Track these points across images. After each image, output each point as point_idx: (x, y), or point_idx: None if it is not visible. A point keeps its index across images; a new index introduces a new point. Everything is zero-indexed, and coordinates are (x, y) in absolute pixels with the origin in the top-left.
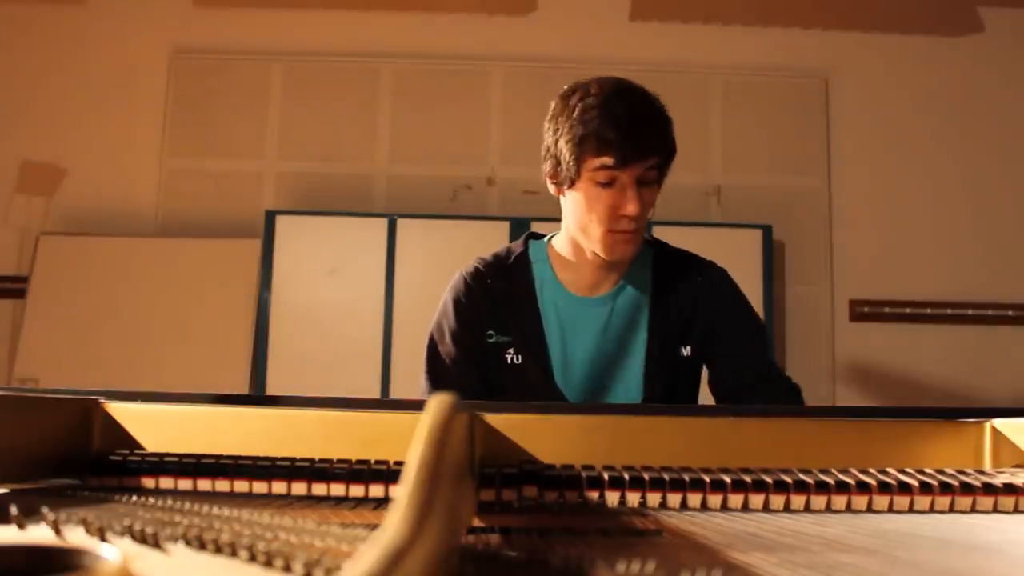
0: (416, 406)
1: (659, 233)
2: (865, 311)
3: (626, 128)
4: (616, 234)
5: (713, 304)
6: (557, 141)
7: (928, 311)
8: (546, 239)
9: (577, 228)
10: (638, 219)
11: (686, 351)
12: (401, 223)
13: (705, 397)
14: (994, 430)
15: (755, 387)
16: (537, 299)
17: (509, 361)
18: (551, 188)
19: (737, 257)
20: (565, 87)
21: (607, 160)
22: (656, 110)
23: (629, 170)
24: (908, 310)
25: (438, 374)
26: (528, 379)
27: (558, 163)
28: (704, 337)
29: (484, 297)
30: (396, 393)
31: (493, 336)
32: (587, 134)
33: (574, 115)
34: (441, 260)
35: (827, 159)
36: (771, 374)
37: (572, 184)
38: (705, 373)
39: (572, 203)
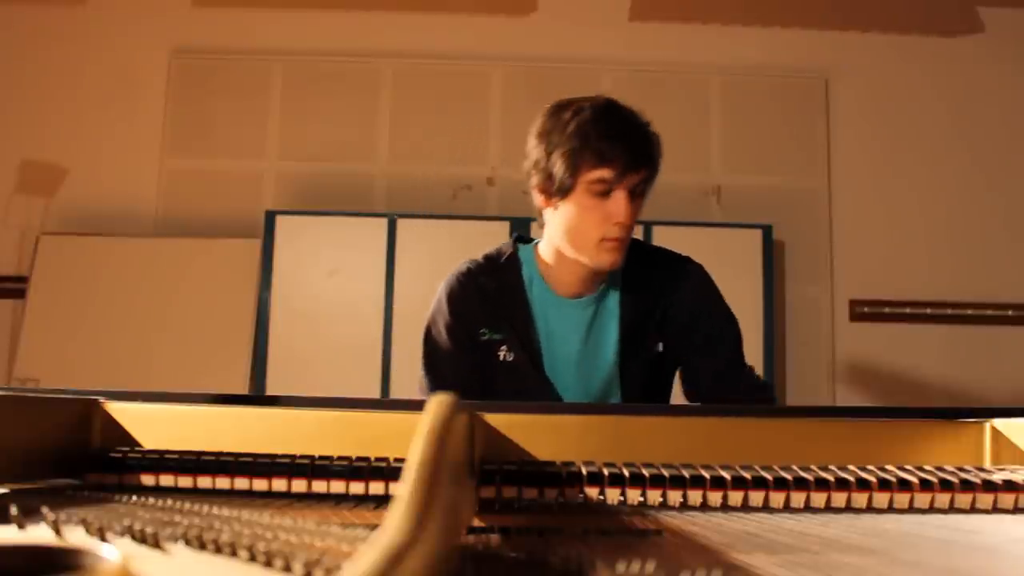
0: (416, 406)
1: (659, 233)
2: (865, 311)
3: (623, 141)
4: (607, 242)
5: (680, 302)
6: (550, 155)
7: (928, 311)
8: (532, 244)
9: (566, 239)
10: (629, 228)
11: (658, 347)
12: (401, 223)
13: (677, 395)
14: (994, 430)
15: (719, 387)
16: (527, 298)
17: (501, 358)
18: (538, 200)
19: (737, 257)
20: (551, 105)
21: (605, 173)
22: (646, 126)
23: (625, 181)
24: (908, 310)
25: (435, 368)
26: (520, 376)
27: (549, 176)
28: (674, 335)
29: (476, 295)
30: (396, 393)
31: (486, 333)
32: (584, 147)
33: (569, 129)
34: (441, 260)
35: (827, 159)
36: (738, 374)
37: (565, 196)
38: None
39: (563, 214)
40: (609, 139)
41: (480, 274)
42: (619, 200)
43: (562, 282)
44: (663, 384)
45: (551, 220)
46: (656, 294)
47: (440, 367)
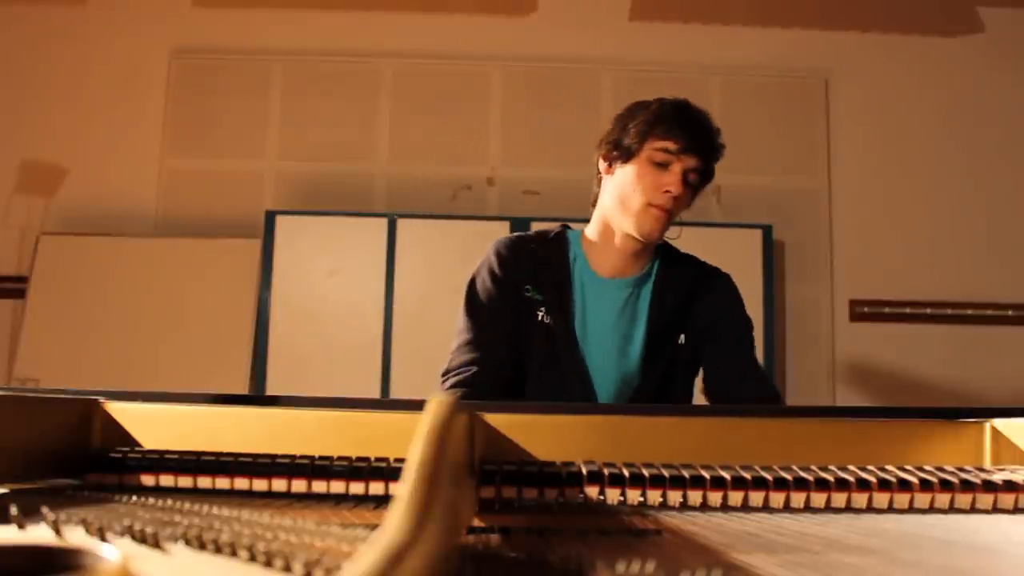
0: (416, 406)
1: None
2: (865, 311)
3: (693, 126)
4: (653, 208)
5: (712, 303)
6: (625, 126)
7: (928, 311)
8: (580, 229)
9: (617, 201)
10: (676, 201)
11: (681, 339)
12: (401, 223)
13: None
14: (994, 430)
15: (740, 386)
16: (570, 272)
17: (539, 318)
18: (601, 166)
19: (737, 257)
20: (628, 105)
21: (670, 144)
22: (716, 130)
23: (684, 159)
24: (908, 310)
25: (476, 312)
26: (555, 339)
27: (618, 144)
28: (700, 334)
29: (526, 254)
30: (396, 393)
31: (530, 291)
32: (659, 120)
33: (651, 108)
34: (441, 260)
35: (827, 159)
36: (757, 374)
37: (628, 159)
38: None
39: (619, 178)
40: (681, 121)
41: (529, 239)
42: (675, 173)
43: (604, 261)
44: (683, 378)
45: (606, 188)
46: (685, 293)
47: (481, 312)
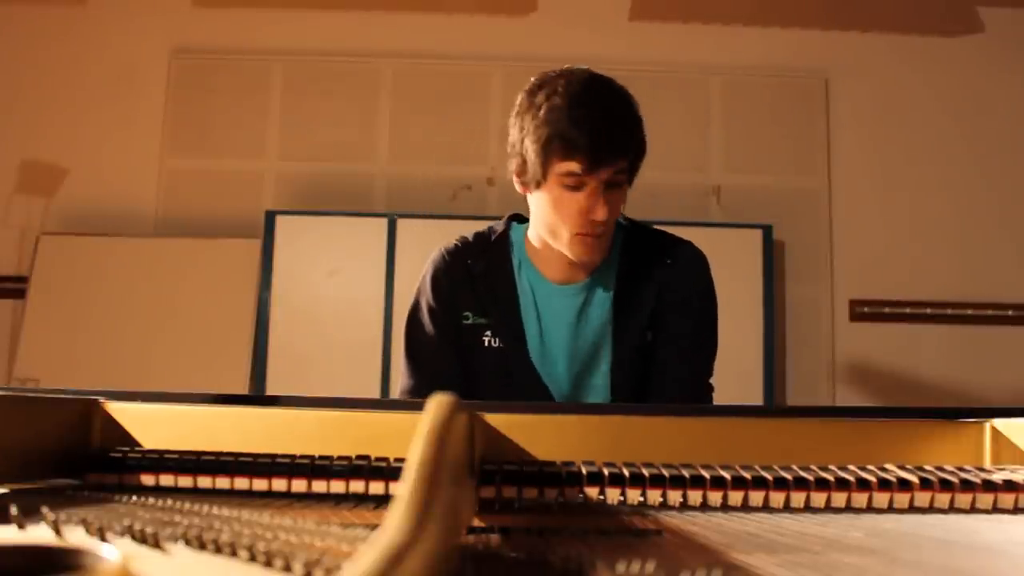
0: (416, 406)
1: None
2: (865, 311)
3: (593, 132)
4: (583, 237)
5: (670, 293)
6: (523, 140)
7: (928, 311)
8: (526, 224)
9: (544, 229)
10: (605, 222)
11: (648, 337)
12: (401, 223)
13: None
14: (994, 430)
15: (677, 394)
16: (515, 282)
17: (486, 344)
18: (517, 186)
19: (737, 257)
20: (532, 80)
21: (574, 166)
22: (625, 109)
23: (597, 175)
24: (908, 310)
25: (416, 352)
26: (506, 362)
27: (524, 162)
28: (660, 325)
29: (463, 277)
30: (396, 393)
31: (470, 318)
32: (553, 136)
33: (540, 114)
34: None
35: (827, 159)
36: (696, 388)
37: (538, 185)
38: None
39: (538, 203)
40: (579, 128)
41: (467, 254)
42: (592, 193)
43: (551, 267)
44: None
45: (531, 206)
46: (652, 283)
47: (420, 353)
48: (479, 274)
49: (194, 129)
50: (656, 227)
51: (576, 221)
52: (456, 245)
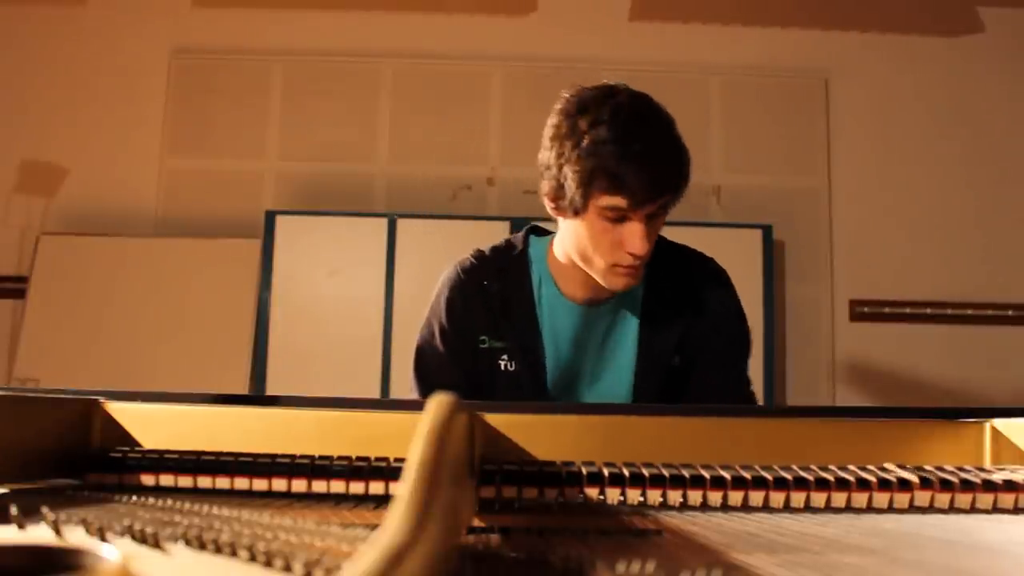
0: (416, 406)
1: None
2: (865, 311)
3: (643, 170)
4: (620, 268)
5: (705, 316)
6: (562, 166)
7: (928, 311)
8: (548, 238)
9: (577, 255)
10: (645, 255)
11: (675, 360)
12: (401, 223)
13: None
14: (994, 430)
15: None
16: (535, 303)
17: (503, 367)
18: (548, 207)
19: (737, 257)
20: (571, 99)
21: (619, 202)
22: (673, 142)
23: (642, 210)
24: (908, 310)
25: (426, 374)
26: (522, 387)
27: (561, 187)
28: (691, 348)
29: (479, 299)
30: (396, 393)
31: (486, 342)
32: (598, 171)
33: (584, 144)
34: (441, 260)
35: (827, 159)
36: (738, 394)
37: (576, 214)
38: None
39: (573, 231)
40: (627, 162)
41: (484, 273)
42: (634, 230)
43: (574, 286)
44: (680, 399)
45: (563, 227)
46: (680, 306)
47: (429, 374)
48: (496, 294)
49: (194, 129)
50: (676, 243)
51: (615, 254)
52: (472, 262)
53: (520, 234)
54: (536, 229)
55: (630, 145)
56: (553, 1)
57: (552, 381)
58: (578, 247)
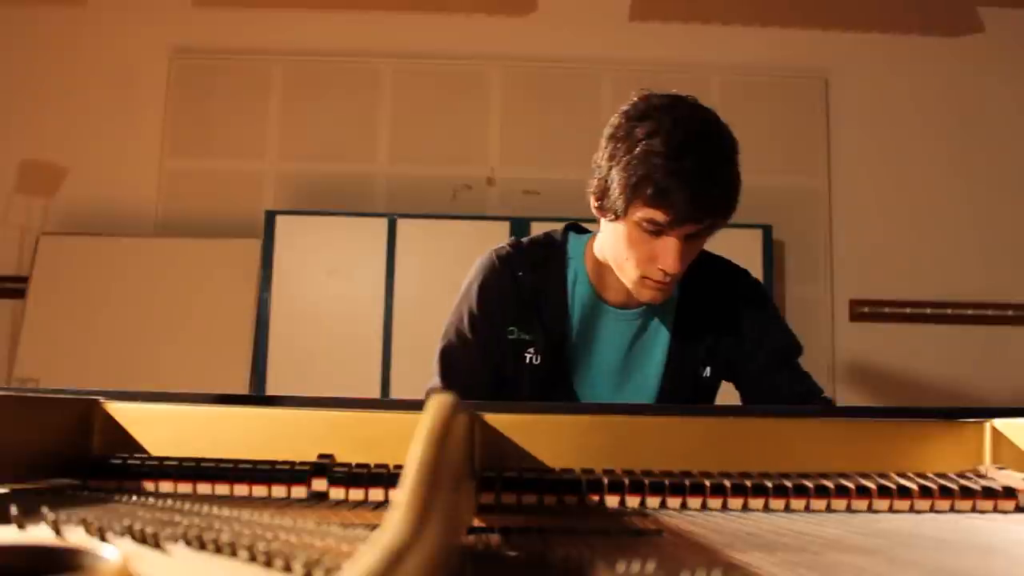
0: (416, 406)
1: None
2: (865, 311)
3: (687, 189)
4: (649, 281)
5: (746, 324)
6: (611, 168)
7: (928, 311)
8: (587, 236)
9: (612, 258)
10: (678, 273)
11: (706, 372)
12: (401, 223)
13: None
14: (994, 430)
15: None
16: (568, 300)
17: (528, 360)
18: (592, 205)
19: (737, 257)
20: (637, 102)
21: (659, 216)
22: (727, 168)
23: (680, 230)
24: (908, 310)
25: (451, 357)
26: (546, 382)
27: (607, 189)
28: (732, 358)
29: (511, 287)
30: (396, 393)
31: (515, 332)
32: (644, 180)
33: (636, 151)
34: (441, 260)
35: (827, 159)
36: (811, 392)
37: (616, 218)
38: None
39: (612, 233)
40: (673, 178)
41: (519, 264)
42: (669, 245)
43: (611, 286)
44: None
45: (604, 228)
46: (713, 318)
47: (454, 357)
48: (528, 288)
49: (194, 129)
50: (714, 254)
51: (647, 267)
52: (509, 251)
53: (559, 230)
54: (576, 227)
55: (680, 161)
56: (553, 1)
57: (577, 380)
58: (614, 252)
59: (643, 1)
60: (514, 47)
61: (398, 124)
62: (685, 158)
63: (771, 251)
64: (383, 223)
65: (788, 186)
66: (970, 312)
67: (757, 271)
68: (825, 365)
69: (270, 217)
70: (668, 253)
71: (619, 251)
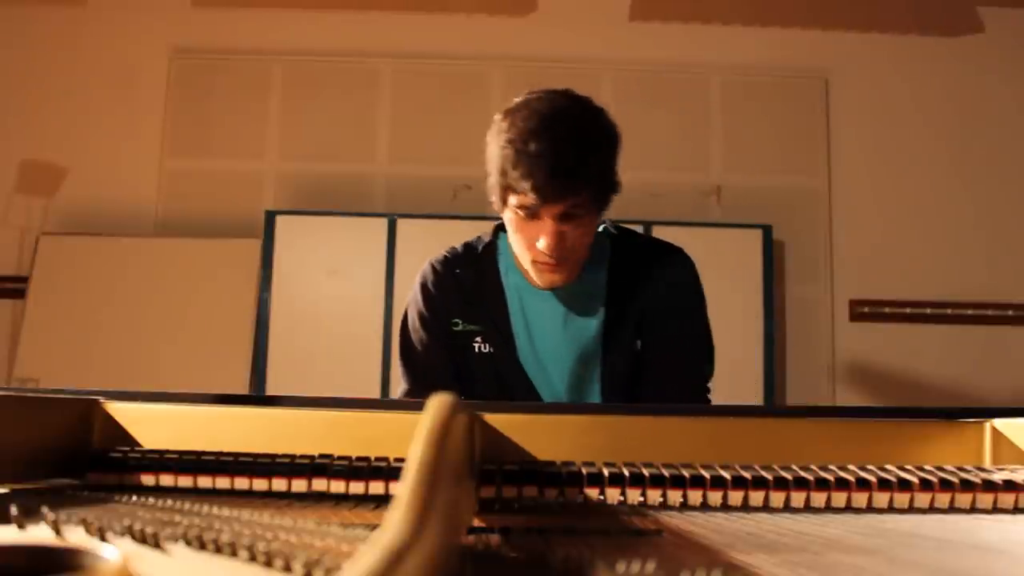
0: (416, 406)
1: (659, 233)
2: (865, 311)
3: (538, 169)
4: (539, 264)
5: (658, 301)
6: (488, 162)
7: (928, 311)
8: None
9: (515, 249)
10: (558, 253)
11: (637, 345)
12: (401, 223)
13: None
14: (994, 430)
15: (652, 397)
16: (503, 288)
17: (476, 349)
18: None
19: (737, 257)
20: (516, 99)
21: (524, 200)
22: (585, 144)
23: (548, 208)
24: (908, 310)
25: (411, 358)
26: (496, 367)
27: (490, 187)
28: (648, 331)
29: (452, 285)
30: (396, 393)
31: (459, 324)
32: (505, 168)
33: (503, 140)
34: None
35: (827, 159)
36: (683, 394)
37: (502, 207)
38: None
39: (508, 225)
40: (524, 162)
41: (457, 263)
42: (544, 227)
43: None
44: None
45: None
46: (640, 294)
47: (413, 357)
48: (468, 282)
49: (194, 129)
50: (650, 235)
51: (532, 250)
52: (445, 256)
53: (489, 231)
54: (503, 225)
55: (528, 145)
56: (553, 1)
57: (524, 361)
58: (512, 241)
59: (643, 1)
60: (514, 47)
61: (398, 124)
62: (533, 142)
63: (771, 251)
64: (383, 223)
65: (788, 186)
66: (970, 312)
67: (757, 271)
68: (825, 365)
69: (270, 217)
70: (544, 234)
71: (513, 239)
